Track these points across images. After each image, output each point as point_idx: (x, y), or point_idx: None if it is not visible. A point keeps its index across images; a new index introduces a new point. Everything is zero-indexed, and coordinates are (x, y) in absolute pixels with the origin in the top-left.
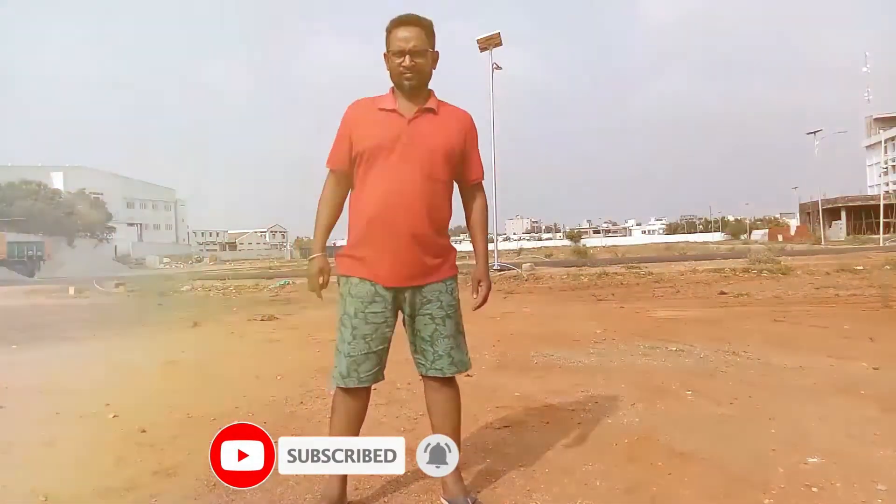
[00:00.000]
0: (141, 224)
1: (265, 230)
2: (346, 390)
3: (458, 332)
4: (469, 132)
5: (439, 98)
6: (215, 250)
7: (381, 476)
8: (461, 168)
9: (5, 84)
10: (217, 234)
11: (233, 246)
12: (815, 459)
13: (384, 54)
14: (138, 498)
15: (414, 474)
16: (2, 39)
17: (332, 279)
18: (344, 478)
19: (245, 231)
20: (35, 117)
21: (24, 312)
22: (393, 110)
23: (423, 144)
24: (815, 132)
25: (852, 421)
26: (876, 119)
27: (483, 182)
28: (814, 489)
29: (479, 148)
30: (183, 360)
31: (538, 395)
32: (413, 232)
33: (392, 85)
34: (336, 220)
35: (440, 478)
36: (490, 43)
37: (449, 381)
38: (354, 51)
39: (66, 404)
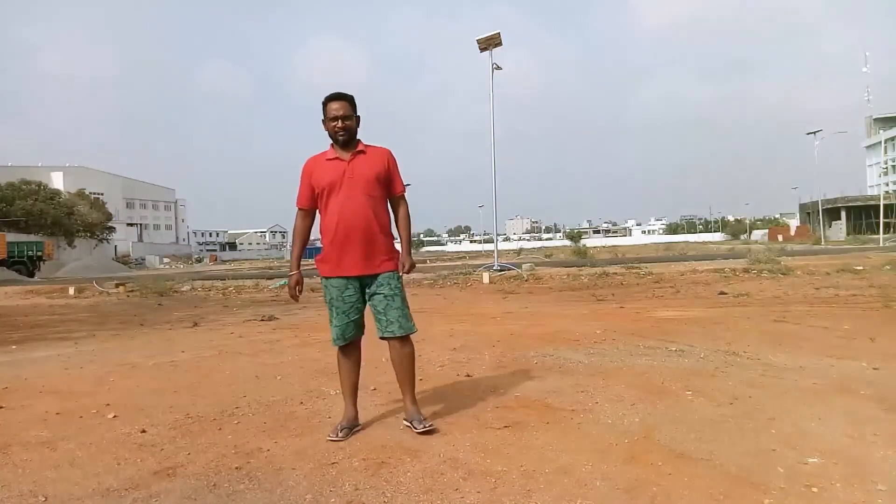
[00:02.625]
0: (141, 224)
1: (265, 230)
2: (342, 348)
3: (404, 306)
4: (390, 160)
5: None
6: (215, 250)
7: (381, 477)
8: (389, 186)
9: (6, 84)
10: (217, 234)
11: (233, 246)
12: (815, 459)
13: (322, 120)
14: (138, 498)
15: (414, 475)
16: (2, 39)
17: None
18: (355, 403)
19: (245, 231)
20: (35, 117)
21: (24, 312)
22: (336, 158)
23: (361, 175)
24: (815, 132)
25: (852, 421)
26: (876, 119)
27: (405, 195)
28: (814, 489)
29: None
30: (183, 360)
31: (538, 395)
32: (365, 234)
33: (331, 142)
34: (306, 245)
35: (403, 402)
36: (490, 43)
37: (404, 343)
38: (352, 51)
39: (66, 404)
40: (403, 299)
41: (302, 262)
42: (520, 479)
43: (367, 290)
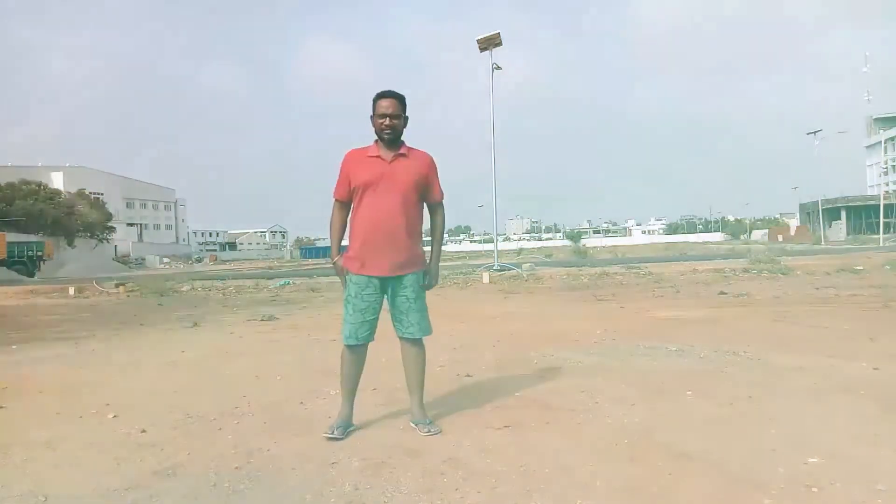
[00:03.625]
0: (141, 224)
1: (265, 230)
2: (351, 347)
3: (424, 308)
4: (431, 167)
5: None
6: (215, 250)
7: (381, 477)
8: (427, 193)
9: (6, 84)
10: (217, 234)
11: (233, 246)
12: (815, 459)
13: (371, 116)
14: (138, 498)
15: (414, 475)
16: (2, 39)
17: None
18: (352, 403)
19: (245, 231)
20: (35, 117)
21: (24, 312)
22: (378, 156)
23: (399, 178)
24: (815, 132)
25: (852, 421)
26: (876, 119)
27: (443, 201)
28: (814, 489)
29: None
30: (183, 360)
31: (538, 395)
32: (396, 237)
33: (376, 138)
34: (343, 234)
35: (410, 404)
36: (490, 43)
37: (418, 345)
38: (352, 50)
39: (66, 404)
40: (424, 301)
41: (306, 262)
42: (520, 479)
43: (390, 290)
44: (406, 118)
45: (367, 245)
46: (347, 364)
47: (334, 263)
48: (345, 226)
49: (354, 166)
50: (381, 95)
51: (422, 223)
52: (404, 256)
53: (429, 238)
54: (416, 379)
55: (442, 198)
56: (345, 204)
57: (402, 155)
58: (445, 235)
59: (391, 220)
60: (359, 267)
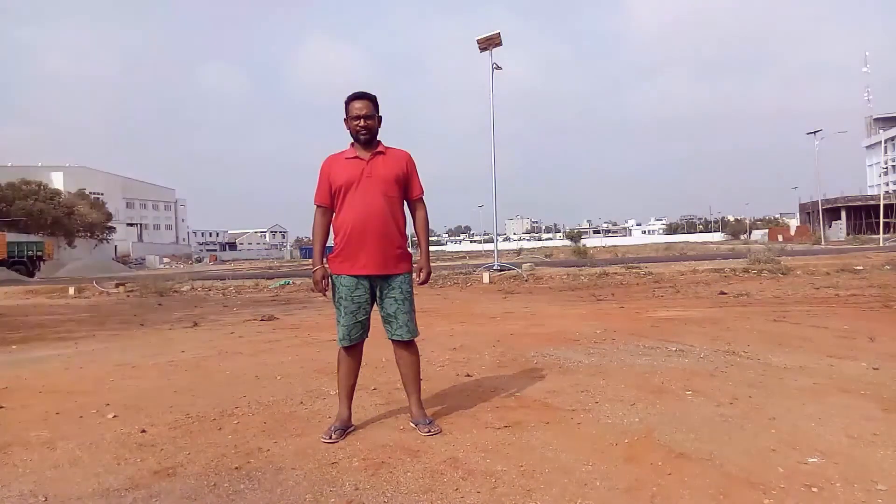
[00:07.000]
0: (141, 224)
1: (265, 230)
2: (346, 348)
3: (412, 310)
4: (409, 163)
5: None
6: (215, 250)
7: (381, 477)
8: (407, 189)
9: (6, 84)
10: (217, 234)
11: (233, 246)
12: (815, 459)
13: (344, 119)
14: (138, 498)
15: (414, 475)
16: (3, 40)
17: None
18: (350, 404)
19: (245, 231)
20: (35, 117)
21: (24, 312)
22: (355, 157)
23: (379, 176)
24: (815, 132)
25: (852, 421)
26: (876, 119)
27: (423, 198)
28: (814, 489)
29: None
30: (183, 360)
31: (538, 395)
32: (380, 234)
33: (351, 140)
34: (327, 240)
35: (408, 405)
36: (490, 43)
37: (409, 344)
38: (351, 51)
39: (66, 404)
40: (412, 303)
41: (306, 262)
42: (520, 479)
43: (378, 292)
44: (380, 117)
45: (352, 244)
46: (344, 365)
47: (314, 272)
48: (327, 232)
49: (333, 170)
50: (354, 97)
51: (405, 220)
52: (391, 251)
53: (415, 239)
54: (412, 379)
55: (422, 193)
56: (326, 210)
57: (380, 153)
58: (445, 235)
59: (375, 217)
60: (346, 267)
